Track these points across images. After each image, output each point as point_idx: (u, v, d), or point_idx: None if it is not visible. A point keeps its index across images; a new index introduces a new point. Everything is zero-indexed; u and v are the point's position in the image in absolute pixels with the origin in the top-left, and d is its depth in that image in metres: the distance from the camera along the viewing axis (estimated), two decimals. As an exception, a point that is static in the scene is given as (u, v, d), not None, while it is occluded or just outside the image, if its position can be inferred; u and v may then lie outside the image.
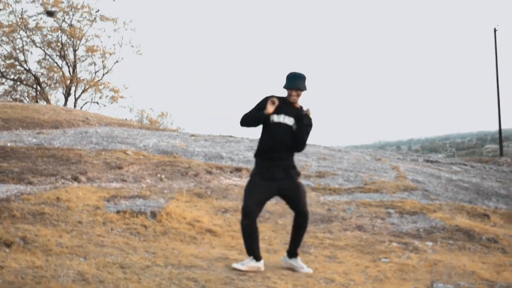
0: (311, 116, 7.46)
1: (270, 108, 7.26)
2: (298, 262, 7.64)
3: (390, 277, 7.91)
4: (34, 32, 39.35)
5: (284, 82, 7.46)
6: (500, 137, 37.15)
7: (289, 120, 7.37)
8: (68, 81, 39.94)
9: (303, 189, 7.64)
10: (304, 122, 7.40)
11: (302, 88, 7.37)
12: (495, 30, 37.96)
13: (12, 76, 40.45)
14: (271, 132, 7.36)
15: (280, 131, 7.34)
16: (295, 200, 7.50)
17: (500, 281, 7.82)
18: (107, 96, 42.32)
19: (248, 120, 7.45)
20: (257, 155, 7.57)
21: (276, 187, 7.39)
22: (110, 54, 40.96)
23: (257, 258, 7.37)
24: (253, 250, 7.41)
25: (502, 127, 37.42)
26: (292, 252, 7.69)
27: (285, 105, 7.38)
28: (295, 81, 7.36)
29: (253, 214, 7.34)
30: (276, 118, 7.33)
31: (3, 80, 40.36)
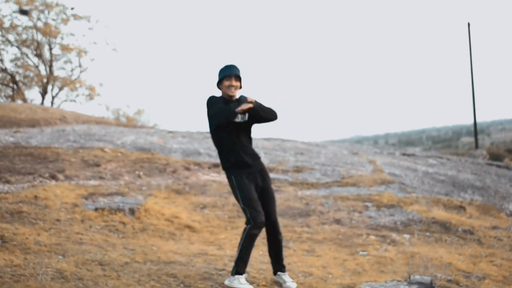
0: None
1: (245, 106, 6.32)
2: (282, 277, 6.65)
3: (368, 269, 7.97)
4: (9, 31, 39.02)
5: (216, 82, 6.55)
6: (475, 130, 37.48)
7: (242, 117, 6.47)
8: (45, 80, 39.66)
9: (274, 196, 6.69)
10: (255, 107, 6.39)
11: (239, 74, 6.47)
12: (468, 25, 38.21)
13: (-13, 76, 40.13)
14: (230, 139, 6.45)
15: (241, 134, 6.47)
16: (266, 206, 6.48)
17: (476, 272, 7.92)
18: (83, 94, 42.14)
19: (220, 115, 6.33)
20: (228, 167, 6.63)
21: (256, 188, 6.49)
22: (85, 53, 40.72)
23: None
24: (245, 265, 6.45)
25: (477, 120, 37.78)
26: (275, 267, 6.74)
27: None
28: (231, 69, 6.46)
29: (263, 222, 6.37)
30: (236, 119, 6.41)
31: (-22, 79, 40.04)
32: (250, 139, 6.66)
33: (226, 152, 6.55)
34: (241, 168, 6.48)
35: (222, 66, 6.55)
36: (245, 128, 6.55)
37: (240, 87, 6.54)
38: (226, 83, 6.41)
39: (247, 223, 6.34)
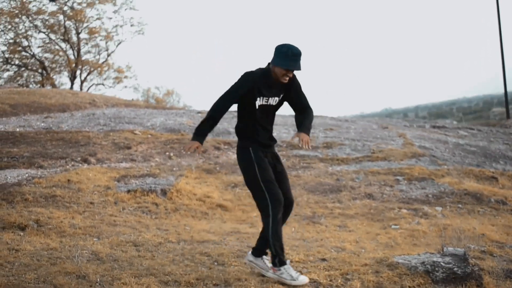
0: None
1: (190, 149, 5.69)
2: (264, 262, 5.85)
3: (401, 243, 7.98)
4: (36, 17, 39.20)
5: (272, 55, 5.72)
6: (506, 100, 36.91)
7: (273, 101, 5.80)
8: (73, 64, 39.87)
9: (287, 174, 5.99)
10: (297, 89, 5.88)
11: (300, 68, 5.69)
12: (498, -8, 37.61)
13: (16, 62, 40.41)
14: (256, 116, 5.74)
15: (264, 116, 5.79)
16: (285, 187, 5.80)
17: (510, 242, 7.87)
18: (111, 77, 42.29)
19: (216, 113, 5.72)
20: (245, 137, 5.85)
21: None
22: (112, 37, 40.81)
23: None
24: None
25: (508, 90, 37.20)
26: (259, 250, 5.90)
27: (268, 84, 5.72)
28: (297, 62, 5.62)
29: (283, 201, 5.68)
30: (259, 101, 5.71)
31: (8, 66, 40.31)
32: (274, 120, 5.96)
33: (250, 127, 5.79)
34: (260, 145, 5.77)
35: (288, 47, 5.64)
36: (276, 109, 5.89)
37: None
38: (284, 71, 5.61)
39: (266, 206, 5.55)
